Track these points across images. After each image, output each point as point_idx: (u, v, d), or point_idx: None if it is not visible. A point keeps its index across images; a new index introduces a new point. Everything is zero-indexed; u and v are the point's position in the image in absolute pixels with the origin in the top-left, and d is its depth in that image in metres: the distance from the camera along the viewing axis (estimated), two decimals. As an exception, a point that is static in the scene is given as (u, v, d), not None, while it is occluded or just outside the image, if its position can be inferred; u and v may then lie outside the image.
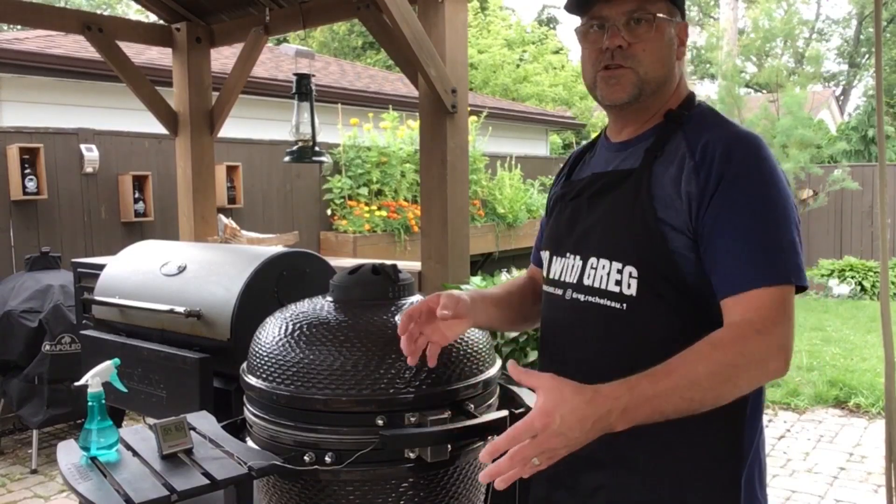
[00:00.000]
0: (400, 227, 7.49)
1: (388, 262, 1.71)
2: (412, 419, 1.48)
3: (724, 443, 1.29)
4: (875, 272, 9.78)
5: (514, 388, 1.88)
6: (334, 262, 3.11)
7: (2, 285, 4.60)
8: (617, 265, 1.30)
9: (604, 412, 1.07)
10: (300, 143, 3.65)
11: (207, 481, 1.39)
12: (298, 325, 1.58)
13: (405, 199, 7.81)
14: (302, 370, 1.51)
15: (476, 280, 3.63)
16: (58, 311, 4.30)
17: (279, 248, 3.01)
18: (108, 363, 1.66)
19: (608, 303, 1.31)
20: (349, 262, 3.31)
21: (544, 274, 1.49)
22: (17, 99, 6.75)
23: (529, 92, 18.84)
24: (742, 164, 1.23)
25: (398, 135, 7.92)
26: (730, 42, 14.43)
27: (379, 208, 7.48)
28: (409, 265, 3.60)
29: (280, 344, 1.57)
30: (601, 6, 1.32)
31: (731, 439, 1.30)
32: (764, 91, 15.99)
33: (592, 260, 1.35)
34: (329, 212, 7.44)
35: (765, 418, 2.22)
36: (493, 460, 1.05)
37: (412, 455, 1.47)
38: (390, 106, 8.28)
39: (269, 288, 2.65)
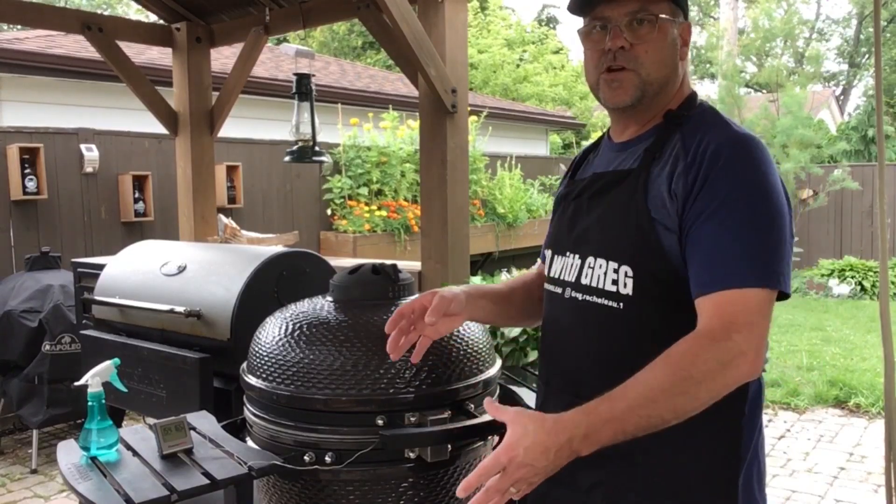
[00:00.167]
0: (400, 227, 7.49)
1: (388, 262, 1.71)
2: (412, 419, 1.48)
3: (722, 442, 1.29)
4: (875, 272, 9.78)
5: (514, 389, 1.88)
6: (334, 262, 3.11)
7: (2, 285, 4.60)
8: (613, 265, 1.31)
9: (564, 441, 1.10)
10: (300, 143, 3.65)
11: (207, 481, 1.39)
12: (298, 325, 1.58)
13: (405, 199, 7.81)
14: (302, 370, 1.51)
15: (476, 280, 3.63)
16: (58, 311, 4.30)
17: (279, 248, 3.01)
18: (108, 363, 1.66)
19: (605, 302, 1.32)
20: (349, 262, 3.31)
21: (546, 272, 1.50)
22: (17, 99, 6.75)
23: (529, 92, 18.84)
24: (729, 165, 1.23)
25: (398, 135, 7.92)
26: (730, 42, 14.42)
27: (379, 208, 7.48)
28: (409, 265, 3.60)
29: (280, 344, 1.57)
30: (603, 7, 1.31)
31: (728, 438, 1.30)
32: (764, 91, 16.01)
33: (590, 259, 1.35)
34: (329, 212, 7.44)
35: (765, 418, 2.22)
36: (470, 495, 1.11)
37: (412, 455, 1.48)
38: (390, 106, 8.28)
39: (269, 288, 2.65)
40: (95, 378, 1.58)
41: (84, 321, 3.28)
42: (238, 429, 1.75)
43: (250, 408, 1.64)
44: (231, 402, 2.56)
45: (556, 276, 1.44)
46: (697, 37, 20.85)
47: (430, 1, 3.45)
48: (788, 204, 1.28)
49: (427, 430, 1.46)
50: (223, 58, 7.40)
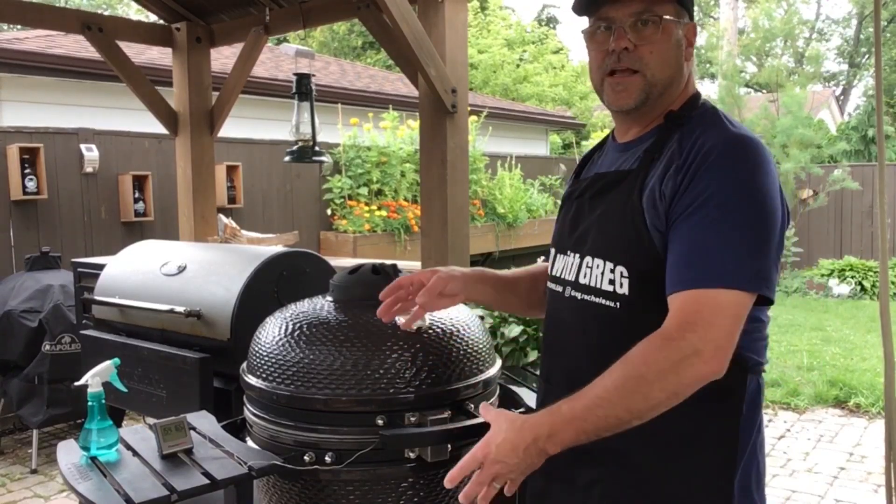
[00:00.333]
0: (400, 227, 7.49)
1: (388, 262, 1.71)
2: (412, 419, 1.48)
3: (719, 441, 1.29)
4: (875, 272, 9.78)
5: (514, 389, 1.88)
6: (334, 262, 3.11)
7: (2, 285, 4.60)
8: (610, 265, 1.31)
9: (531, 440, 1.16)
10: (300, 143, 3.64)
11: (207, 481, 1.39)
12: (298, 325, 1.58)
13: (405, 199, 7.81)
14: (302, 370, 1.51)
15: (476, 280, 3.62)
16: (58, 311, 4.30)
17: (279, 248, 3.01)
18: (108, 363, 1.66)
19: (603, 301, 1.32)
20: (349, 262, 3.31)
21: (549, 270, 1.51)
22: (17, 99, 6.75)
23: (529, 92, 18.83)
24: (717, 164, 1.22)
25: (398, 135, 7.92)
26: (730, 42, 14.42)
27: (379, 208, 7.48)
28: (409, 265, 3.60)
29: (280, 344, 1.57)
30: (608, 7, 1.31)
31: (725, 437, 1.29)
32: (764, 91, 16.00)
33: (588, 259, 1.36)
34: (329, 212, 7.44)
35: (765, 418, 2.22)
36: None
37: (412, 455, 1.48)
38: (390, 106, 8.28)
39: (269, 288, 2.65)
40: (95, 378, 1.58)
41: (84, 321, 3.28)
42: (238, 429, 1.75)
43: (250, 408, 1.64)
44: (231, 402, 2.56)
45: (558, 275, 1.45)
46: (697, 37, 20.81)
47: (430, 1, 3.44)
48: (785, 209, 1.27)
49: (427, 430, 1.47)
50: (223, 58, 7.40)
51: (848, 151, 13.60)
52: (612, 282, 1.31)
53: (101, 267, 3.20)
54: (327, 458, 1.48)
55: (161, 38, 4.55)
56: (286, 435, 1.53)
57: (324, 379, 1.49)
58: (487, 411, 1.26)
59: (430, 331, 1.57)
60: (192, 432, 1.57)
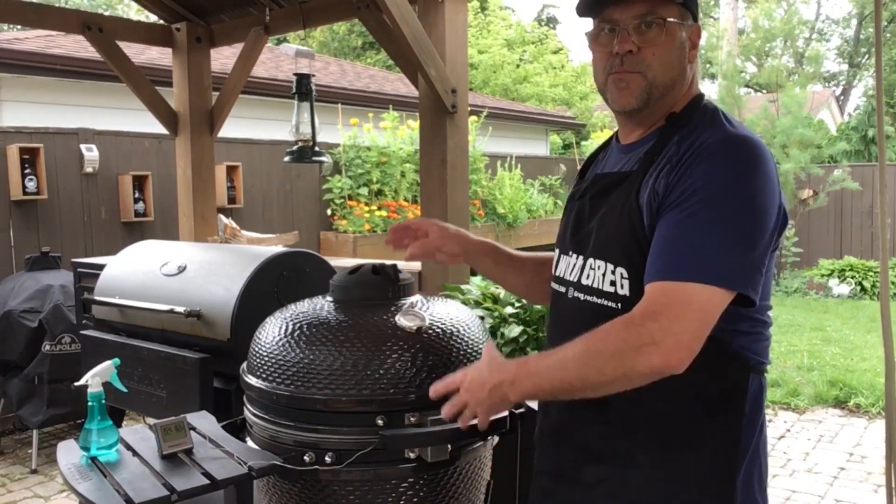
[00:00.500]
0: (400, 227, 7.48)
1: (388, 262, 1.71)
2: (412, 419, 1.48)
3: (722, 440, 1.29)
4: (875, 272, 9.78)
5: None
6: (334, 262, 3.11)
7: (2, 285, 4.60)
8: (611, 266, 1.32)
9: (496, 381, 1.29)
10: (300, 143, 3.64)
11: (207, 481, 1.39)
12: (298, 325, 1.58)
13: (405, 199, 7.81)
14: (302, 370, 1.51)
15: (476, 280, 3.63)
16: (58, 311, 4.30)
17: (279, 248, 3.01)
18: (108, 363, 1.66)
19: (605, 302, 1.33)
20: (349, 262, 3.31)
21: (552, 271, 1.51)
22: (17, 99, 6.75)
23: (529, 92, 18.82)
24: (709, 161, 1.22)
25: (398, 135, 7.92)
26: (730, 42, 14.42)
27: (379, 208, 7.48)
28: (409, 265, 3.59)
29: (280, 344, 1.57)
30: (612, 9, 1.31)
31: (729, 437, 1.30)
32: (764, 91, 16.01)
33: (590, 260, 1.36)
34: (329, 212, 7.44)
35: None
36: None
37: (412, 455, 1.48)
38: (390, 106, 8.28)
39: (269, 288, 2.65)
40: (95, 378, 1.58)
41: (84, 321, 3.28)
42: (238, 429, 1.75)
43: (250, 408, 1.64)
44: (231, 402, 2.56)
45: (561, 276, 1.46)
46: (697, 37, 20.77)
47: (430, 1, 3.45)
48: (782, 210, 1.26)
49: (427, 430, 1.46)
50: (223, 58, 7.40)
51: (848, 151, 13.60)
52: (613, 283, 1.31)
53: (101, 267, 3.20)
54: (327, 459, 1.48)
55: (161, 38, 4.55)
56: (286, 435, 1.53)
57: (324, 379, 1.49)
58: (488, 347, 1.37)
59: (430, 331, 1.57)
60: (192, 432, 1.57)
